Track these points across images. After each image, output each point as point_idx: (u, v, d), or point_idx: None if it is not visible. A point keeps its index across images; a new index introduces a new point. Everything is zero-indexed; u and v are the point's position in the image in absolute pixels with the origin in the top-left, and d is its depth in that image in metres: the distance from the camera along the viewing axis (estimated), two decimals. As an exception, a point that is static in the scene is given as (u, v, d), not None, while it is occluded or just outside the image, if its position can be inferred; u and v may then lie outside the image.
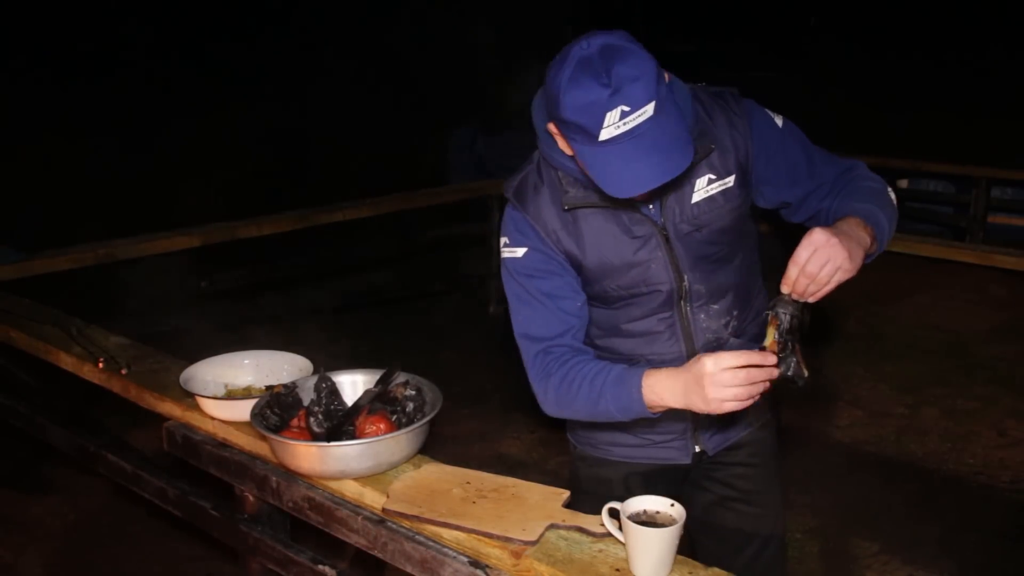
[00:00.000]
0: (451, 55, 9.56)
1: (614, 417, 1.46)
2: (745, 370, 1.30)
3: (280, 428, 1.65)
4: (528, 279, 1.55)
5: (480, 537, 1.39)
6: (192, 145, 8.71)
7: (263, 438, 1.69)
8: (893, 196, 1.56)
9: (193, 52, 11.00)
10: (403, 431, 1.57)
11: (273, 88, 10.83)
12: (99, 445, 2.32)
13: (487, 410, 4.13)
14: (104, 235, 3.81)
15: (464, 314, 5.51)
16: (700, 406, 1.33)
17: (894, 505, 3.30)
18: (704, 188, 1.53)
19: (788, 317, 1.37)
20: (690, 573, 1.29)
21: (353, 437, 1.59)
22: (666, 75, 1.40)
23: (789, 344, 1.37)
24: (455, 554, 1.42)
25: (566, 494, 1.48)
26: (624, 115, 1.29)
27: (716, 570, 1.29)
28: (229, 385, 1.94)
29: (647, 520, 1.30)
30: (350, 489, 1.58)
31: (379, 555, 1.52)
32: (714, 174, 1.53)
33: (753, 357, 1.31)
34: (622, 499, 1.34)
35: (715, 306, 1.60)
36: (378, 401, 1.67)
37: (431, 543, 1.45)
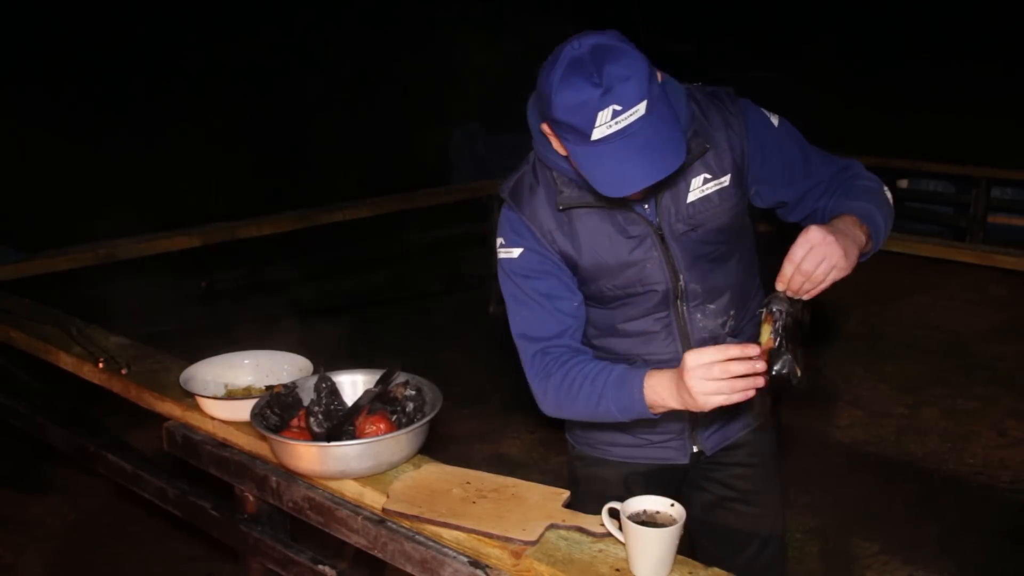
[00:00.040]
0: (451, 55, 9.57)
1: (615, 418, 1.46)
2: (724, 363, 1.28)
3: (280, 428, 1.65)
4: (524, 279, 1.55)
5: (480, 537, 1.39)
6: (192, 145, 8.71)
7: (263, 438, 1.69)
8: (889, 195, 1.56)
9: (193, 52, 11.00)
10: (403, 431, 1.57)
11: (273, 88, 10.83)
12: (99, 445, 2.32)
13: (487, 410, 4.13)
14: (104, 235, 3.81)
15: (464, 314, 5.51)
16: (689, 403, 1.33)
17: (894, 505, 3.30)
18: (700, 187, 1.52)
19: (783, 314, 1.36)
20: (690, 573, 1.29)
21: (353, 437, 1.59)
22: (660, 74, 1.39)
23: (784, 341, 1.36)
24: (455, 554, 1.42)
25: (566, 494, 1.48)
26: (616, 114, 1.28)
27: (716, 570, 1.29)
28: (229, 385, 1.94)
29: (647, 520, 1.30)
30: (350, 489, 1.58)
31: (379, 555, 1.52)
32: (710, 173, 1.53)
33: (732, 351, 1.29)
34: (621, 499, 1.34)
35: (712, 306, 1.60)
36: (378, 401, 1.67)
37: (431, 543, 1.45)
